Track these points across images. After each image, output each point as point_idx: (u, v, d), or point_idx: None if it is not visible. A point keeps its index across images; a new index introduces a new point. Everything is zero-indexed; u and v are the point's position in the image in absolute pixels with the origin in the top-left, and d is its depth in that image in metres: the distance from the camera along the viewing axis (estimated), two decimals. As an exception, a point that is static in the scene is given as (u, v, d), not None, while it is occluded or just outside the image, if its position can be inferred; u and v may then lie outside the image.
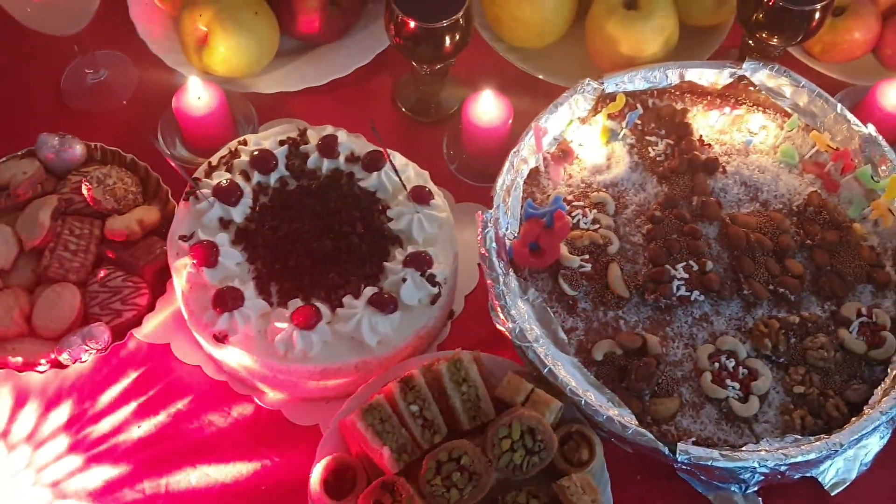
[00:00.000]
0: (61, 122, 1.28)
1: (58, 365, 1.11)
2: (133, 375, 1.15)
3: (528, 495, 1.00)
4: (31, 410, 1.12)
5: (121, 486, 1.09)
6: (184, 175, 1.10)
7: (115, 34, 1.35)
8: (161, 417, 1.13)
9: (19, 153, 1.22)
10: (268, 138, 1.19)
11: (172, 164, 1.09)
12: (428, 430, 1.01)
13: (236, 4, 1.24)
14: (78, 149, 1.22)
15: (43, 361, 1.10)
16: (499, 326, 1.07)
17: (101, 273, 1.15)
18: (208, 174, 1.16)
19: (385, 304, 1.07)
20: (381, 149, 1.17)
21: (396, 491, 0.97)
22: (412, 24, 1.16)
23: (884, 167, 1.18)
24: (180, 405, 1.14)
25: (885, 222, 1.17)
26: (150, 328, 1.15)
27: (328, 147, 1.17)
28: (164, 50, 1.32)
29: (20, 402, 1.13)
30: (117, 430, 1.12)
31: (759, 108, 1.26)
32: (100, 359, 1.11)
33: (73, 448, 1.11)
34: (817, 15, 1.20)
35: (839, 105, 1.21)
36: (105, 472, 1.10)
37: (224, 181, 1.14)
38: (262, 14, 1.27)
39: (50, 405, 1.13)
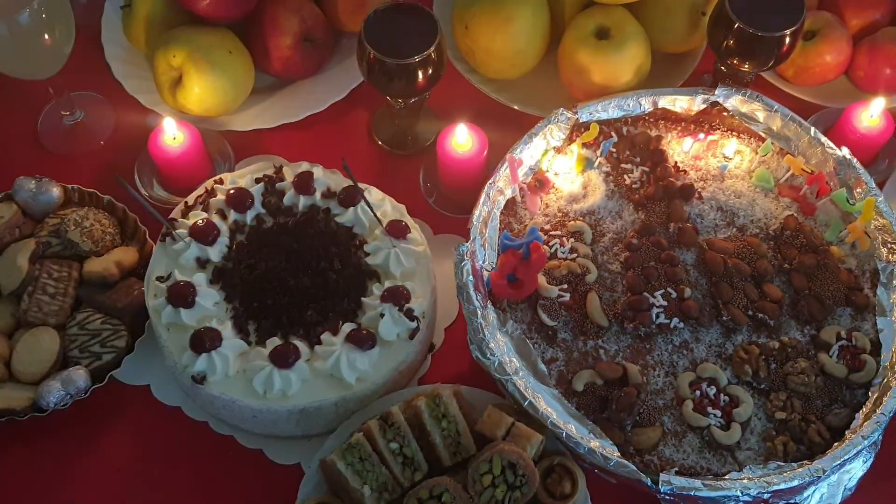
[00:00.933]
0: (38, 165, 1.29)
1: (37, 410, 1.10)
2: (112, 418, 1.14)
3: (510, 531, 0.99)
4: (11, 458, 1.11)
5: (101, 530, 1.09)
6: (158, 217, 1.10)
7: (91, 75, 1.35)
8: (141, 459, 1.12)
9: (-4, 197, 1.22)
10: (244, 176, 1.19)
11: (146, 207, 1.09)
12: (408, 468, 1.01)
13: (210, 44, 1.25)
14: (55, 192, 1.22)
15: (22, 407, 1.10)
16: (478, 360, 1.07)
17: (80, 316, 1.15)
18: (185, 214, 1.16)
19: (363, 340, 1.07)
20: (357, 183, 1.17)
21: (377, 531, 0.97)
22: (384, 60, 1.16)
23: (859, 190, 1.19)
24: (161, 446, 1.13)
25: (861, 245, 1.18)
26: (129, 370, 1.14)
27: (304, 184, 1.17)
28: (139, 90, 1.33)
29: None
30: (98, 473, 1.11)
31: (734, 134, 1.27)
32: (79, 402, 1.10)
33: (56, 492, 1.10)
34: (787, 41, 1.20)
35: (812, 129, 1.22)
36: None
37: (200, 221, 1.14)
38: (235, 53, 1.27)
39: (30, 451, 1.12)
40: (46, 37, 1.15)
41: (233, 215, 1.16)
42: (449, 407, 1.03)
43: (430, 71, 1.19)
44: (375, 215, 1.13)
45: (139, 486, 1.11)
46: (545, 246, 1.16)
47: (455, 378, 1.10)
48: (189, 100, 1.25)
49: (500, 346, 1.08)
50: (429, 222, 1.28)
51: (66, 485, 1.11)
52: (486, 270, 1.13)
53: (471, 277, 1.09)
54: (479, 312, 1.08)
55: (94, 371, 1.12)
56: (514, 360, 1.08)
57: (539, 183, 1.23)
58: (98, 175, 1.30)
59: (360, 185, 1.15)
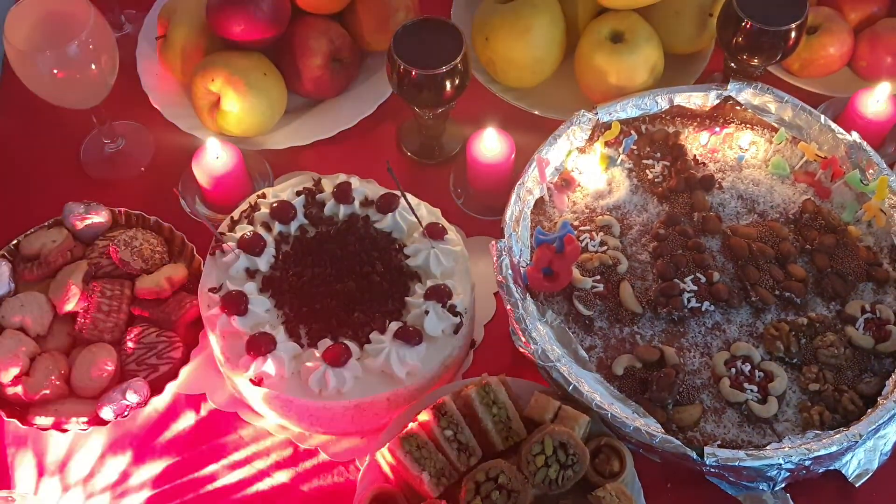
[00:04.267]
0: (83, 191, 1.33)
1: (99, 422, 1.14)
2: (172, 426, 1.18)
3: (565, 509, 1.03)
4: (74, 468, 1.16)
5: (167, 535, 1.12)
6: (210, 228, 1.15)
7: (130, 104, 1.41)
8: (202, 464, 1.16)
9: (47, 223, 1.27)
10: (285, 190, 1.25)
11: (199, 219, 1.14)
12: (464, 453, 1.05)
13: (245, 67, 1.31)
14: (103, 214, 1.27)
15: (84, 420, 1.14)
16: (521, 349, 1.12)
17: (135, 330, 1.20)
18: (231, 228, 1.21)
19: (411, 336, 1.12)
20: (393, 192, 1.23)
21: (439, 514, 1.01)
22: (414, 72, 1.22)
23: (871, 171, 1.24)
24: (220, 451, 1.17)
25: (878, 222, 1.23)
26: (186, 380, 1.19)
27: (343, 193, 1.23)
28: (176, 116, 1.39)
29: (65, 460, 1.16)
30: (160, 480, 1.15)
31: (748, 126, 1.33)
32: (139, 413, 1.15)
33: (119, 500, 1.14)
34: (793, 34, 1.27)
35: (823, 116, 1.28)
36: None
37: (247, 233, 1.19)
38: (270, 75, 1.34)
39: (93, 462, 1.16)
40: (93, 67, 1.21)
41: (277, 227, 1.21)
42: (498, 394, 1.07)
43: (457, 81, 1.25)
44: (416, 215, 1.18)
45: (200, 492, 1.15)
46: (576, 239, 1.21)
47: (497, 372, 1.14)
48: (228, 121, 1.31)
49: (542, 335, 1.13)
50: (461, 226, 1.33)
51: (128, 494, 1.15)
52: (522, 266, 1.18)
53: (509, 271, 1.15)
54: (520, 304, 1.13)
55: (153, 382, 1.17)
56: (556, 347, 1.13)
57: (565, 182, 1.29)
58: (141, 199, 1.35)
59: (397, 192, 1.21)
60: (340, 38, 1.38)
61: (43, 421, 1.14)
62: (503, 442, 1.06)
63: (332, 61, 1.38)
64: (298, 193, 1.24)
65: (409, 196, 1.23)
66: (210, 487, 1.15)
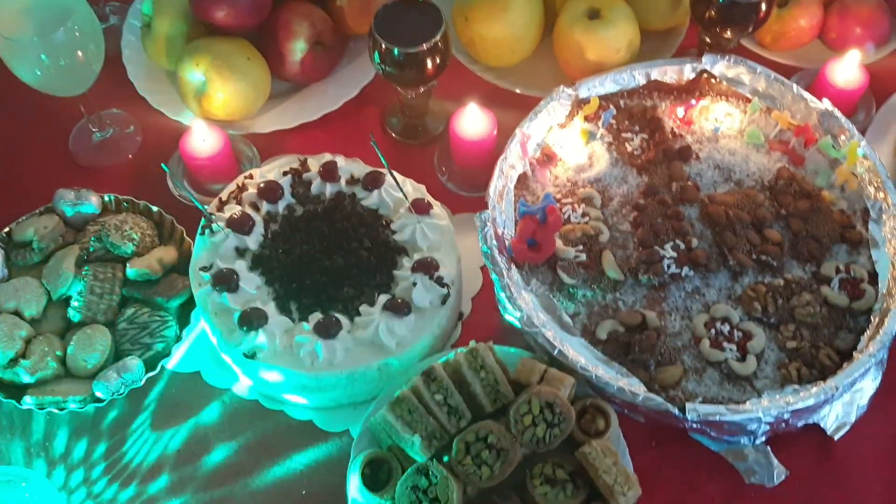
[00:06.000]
0: (73, 179, 1.36)
1: (96, 400, 1.17)
2: (167, 403, 1.20)
3: (553, 466, 1.06)
4: (74, 446, 1.18)
5: (165, 508, 1.15)
6: (200, 207, 1.18)
7: (117, 94, 1.43)
8: (197, 440, 1.18)
9: (38, 210, 1.29)
10: (272, 170, 1.27)
11: (189, 199, 1.16)
12: (453, 416, 1.08)
13: (229, 52, 1.33)
14: (93, 200, 1.29)
15: (81, 398, 1.16)
16: (507, 317, 1.15)
17: (128, 311, 1.22)
18: (220, 208, 1.24)
19: (399, 307, 1.14)
20: (379, 169, 1.25)
21: (431, 474, 1.03)
22: (395, 50, 1.25)
23: (843, 137, 1.28)
24: (215, 427, 1.19)
25: (850, 186, 1.27)
26: (179, 358, 1.21)
27: (329, 172, 1.25)
28: (162, 103, 1.41)
29: (63, 438, 1.18)
30: (156, 456, 1.18)
31: (723, 98, 1.36)
32: (135, 390, 1.17)
33: (114, 478, 1.16)
34: (763, 6, 1.30)
35: (795, 86, 1.31)
36: (148, 498, 1.15)
37: (236, 213, 1.21)
38: (253, 59, 1.36)
39: (91, 439, 1.18)
40: (80, 54, 1.23)
41: (265, 206, 1.24)
42: (486, 358, 1.10)
43: (438, 59, 1.27)
44: (402, 191, 1.21)
45: (197, 466, 1.17)
46: (559, 210, 1.24)
47: (485, 342, 1.17)
48: (213, 105, 1.34)
49: (527, 302, 1.15)
50: (446, 204, 1.35)
51: (126, 469, 1.17)
52: (507, 239, 1.21)
53: (494, 242, 1.17)
54: (505, 273, 1.16)
55: (147, 361, 1.19)
56: (541, 314, 1.16)
57: (546, 157, 1.32)
58: (130, 184, 1.38)
59: (382, 170, 1.24)
60: (323, 23, 1.40)
61: (40, 401, 1.16)
62: (491, 404, 1.09)
63: (315, 45, 1.40)
64: (285, 173, 1.26)
65: (394, 173, 1.25)
66: (204, 461, 1.17)
